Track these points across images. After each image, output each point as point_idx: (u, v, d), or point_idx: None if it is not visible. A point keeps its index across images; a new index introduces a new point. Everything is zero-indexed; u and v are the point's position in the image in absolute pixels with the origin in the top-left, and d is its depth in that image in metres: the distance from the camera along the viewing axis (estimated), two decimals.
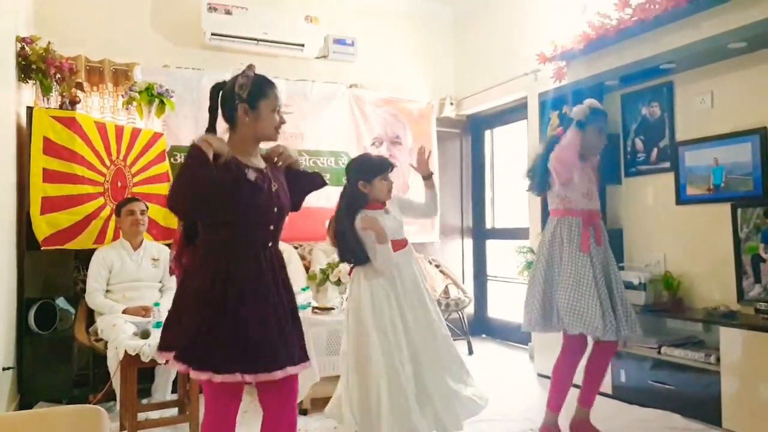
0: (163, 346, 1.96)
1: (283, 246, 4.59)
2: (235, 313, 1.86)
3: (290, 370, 1.91)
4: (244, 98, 1.91)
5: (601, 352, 2.89)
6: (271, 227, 1.98)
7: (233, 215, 1.90)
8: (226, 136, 1.98)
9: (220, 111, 1.99)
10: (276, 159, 2.05)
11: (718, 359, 3.10)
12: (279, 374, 1.88)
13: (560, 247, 2.82)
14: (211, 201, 1.85)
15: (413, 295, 2.74)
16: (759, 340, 2.91)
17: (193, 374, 1.87)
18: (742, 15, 3.10)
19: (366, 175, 2.72)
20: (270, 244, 1.98)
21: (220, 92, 1.98)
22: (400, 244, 2.77)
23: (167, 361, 1.95)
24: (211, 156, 1.84)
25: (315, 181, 2.19)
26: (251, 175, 1.92)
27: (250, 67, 1.96)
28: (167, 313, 2.00)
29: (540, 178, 2.94)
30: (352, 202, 2.73)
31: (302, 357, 1.98)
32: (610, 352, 2.92)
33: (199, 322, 1.86)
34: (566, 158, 2.77)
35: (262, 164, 2.01)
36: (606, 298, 2.73)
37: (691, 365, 3.24)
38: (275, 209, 1.97)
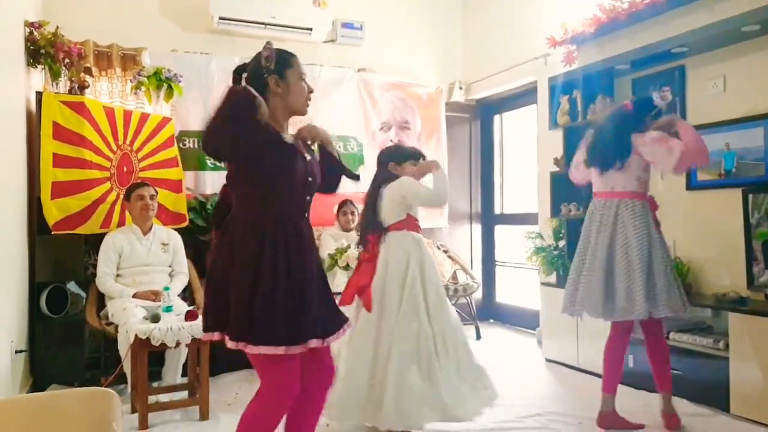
0: (213, 327, 1.89)
1: None
2: (290, 282, 1.83)
3: (344, 329, 2.00)
4: (272, 70, 1.90)
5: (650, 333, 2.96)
6: (308, 197, 1.97)
7: (275, 177, 1.87)
8: None
9: None
10: (307, 136, 2.01)
11: (726, 345, 3.09)
12: (340, 334, 1.96)
13: (589, 227, 2.90)
14: (249, 146, 1.80)
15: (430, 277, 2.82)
16: None
17: (257, 349, 1.78)
18: None
19: (398, 157, 2.92)
20: (307, 215, 1.98)
21: (243, 73, 1.96)
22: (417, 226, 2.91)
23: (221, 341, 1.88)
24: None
25: (346, 171, 2.15)
26: (287, 137, 1.94)
27: (269, 42, 1.94)
28: (205, 296, 1.95)
29: (613, 152, 2.82)
30: (380, 180, 2.90)
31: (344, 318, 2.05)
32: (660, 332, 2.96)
33: (252, 295, 1.80)
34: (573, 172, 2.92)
35: (292, 139, 1.99)
36: (623, 278, 2.76)
37: (699, 351, 3.24)
38: (309, 178, 1.96)
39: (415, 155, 2.96)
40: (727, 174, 3.48)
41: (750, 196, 3.31)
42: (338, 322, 2.00)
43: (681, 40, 3.42)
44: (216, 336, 1.88)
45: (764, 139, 3.27)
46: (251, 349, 1.78)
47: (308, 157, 1.98)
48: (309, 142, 2.03)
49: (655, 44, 3.53)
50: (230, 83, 1.94)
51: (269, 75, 1.89)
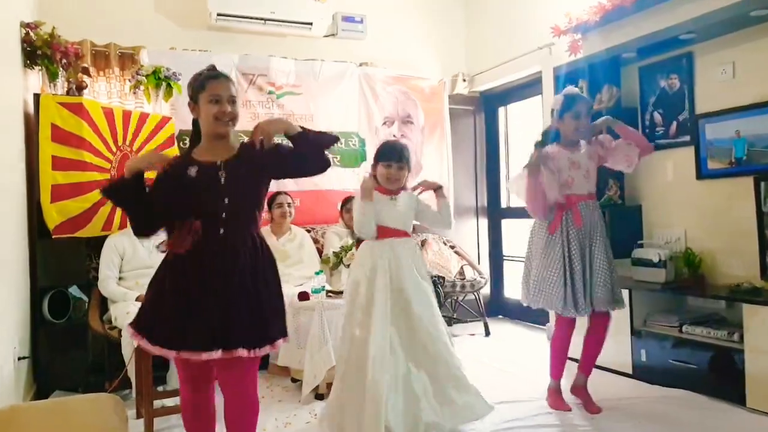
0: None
1: (295, 230, 4.63)
2: (171, 292, 2.03)
3: (215, 354, 1.94)
4: (189, 96, 2.12)
5: (593, 325, 3.13)
6: (223, 215, 2.04)
7: (179, 208, 2.06)
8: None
9: None
10: (255, 140, 2.06)
11: (741, 337, 3.06)
12: (204, 356, 1.94)
13: (538, 231, 3.13)
14: (160, 214, 2.08)
15: (410, 289, 2.77)
16: None
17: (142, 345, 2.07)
18: None
19: (375, 159, 2.91)
20: (222, 231, 2.03)
21: None
22: (396, 233, 2.84)
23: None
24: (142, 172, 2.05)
25: (324, 141, 2.11)
26: (192, 172, 2.05)
27: (209, 66, 2.17)
28: None
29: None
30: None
31: (252, 343, 2.00)
32: (600, 325, 3.11)
33: (147, 298, 2.14)
34: (532, 207, 3.08)
35: (223, 156, 2.07)
36: (577, 277, 2.96)
37: (713, 343, 3.21)
38: (225, 200, 2.03)
39: (384, 154, 2.84)
40: (738, 162, 3.45)
41: (762, 184, 3.28)
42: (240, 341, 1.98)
43: (688, 27, 3.39)
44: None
45: None
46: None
47: (224, 178, 2.04)
48: (264, 142, 2.05)
49: (662, 31, 3.49)
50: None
51: (188, 102, 2.13)
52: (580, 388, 3.18)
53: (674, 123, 3.82)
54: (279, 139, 2.10)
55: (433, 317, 2.79)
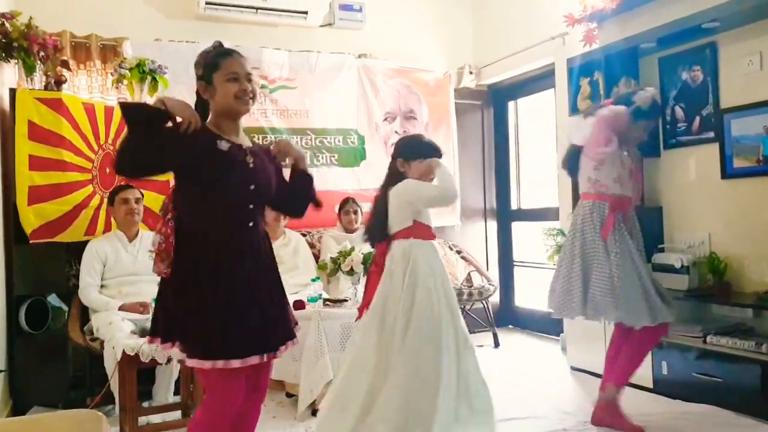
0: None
1: (289, 233, 4.63)
2: (224, 296, 1.97)
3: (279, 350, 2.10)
4: (200, 75, 2.09)
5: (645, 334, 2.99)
6: (251, 206, 2.07)
7: (204, 187, 2.00)
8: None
9: None
10: (279, 151, 2.20)
11: None
12: (282, 350, 2.10)
13: (592, 231, 3.00)
14: (163, 164, 2.01)
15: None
16: None
17: (191, 362, 1.96)
18: None
19: (407, 153, 2.84)
20: (251, 224, 2.07)
21: None
22: (433, 235, 2.86)
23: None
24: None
25: (312, 194, 2.31)
26: (223, 146, 2.03)
27: (216, 42, 2.16)
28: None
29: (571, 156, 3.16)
30: (389, 179, 2.84)
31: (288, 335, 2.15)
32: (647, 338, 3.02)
33: (187, 307, 1.96)
34: (612, 120, 2.94)
35: (244, 142, 2.13)
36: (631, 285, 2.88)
37: (740, 355, 3.20)
38: (252, 186, 2.06)
39: (429, 152, 2.84)
40: (767, 160, 3.45)
41: None
42: (281, 337, 2.11)
43: (712, 14, 3.38)
44: (168, 346, 2.01)
45: None
46: (189, 362, 1.95)
47: (251, 162, 2.08)
48: (278, 158, 2.22)
49: (684, 19, 3.49)
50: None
51: (198, 81, 2.10)
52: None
53: (697, 118, 3.82)
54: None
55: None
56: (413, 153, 2.82)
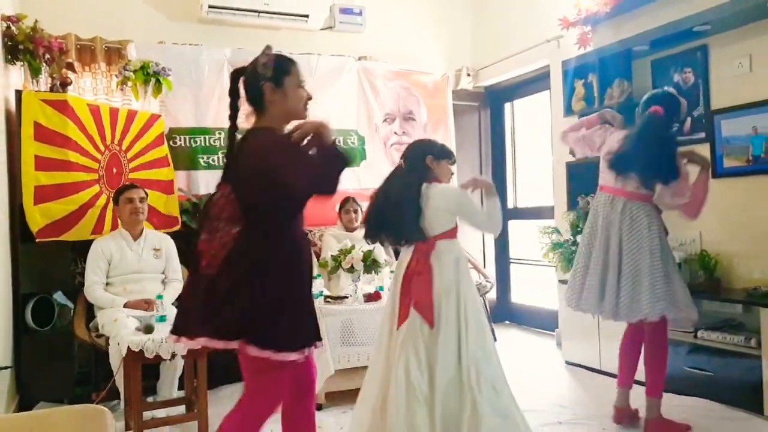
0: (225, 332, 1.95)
1: None
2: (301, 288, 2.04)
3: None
4: (269, 77, 2.00)
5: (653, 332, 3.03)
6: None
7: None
8: (251, 119, 2.08)
9: (244, 96, 2.07)
10: (306, 134, 1.99)
11: (759, 343, 3.08)
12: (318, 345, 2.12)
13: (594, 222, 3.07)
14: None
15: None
16: None
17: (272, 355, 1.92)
18: None
19: (436, 152, 2.81)
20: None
21: (241, 77, 2.06)
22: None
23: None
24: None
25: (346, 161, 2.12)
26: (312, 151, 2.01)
27: (268, 47, 2.05)
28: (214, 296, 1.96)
29: (658, 172, 2.92)
30: (420, 175, 2.75)
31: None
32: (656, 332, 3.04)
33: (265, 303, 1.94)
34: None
35: None
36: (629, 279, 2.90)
37: (730, 350, 3.23)
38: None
39: (451, 153, 2.89)
40: (756, 160, 3.46)
41: None
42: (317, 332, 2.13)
43: (703, 18, 3.40)
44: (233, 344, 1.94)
45: None
46: (275, 356, 1.90)
47: None
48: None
49: (676, 22, 3.52)
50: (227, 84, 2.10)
51: (265, 82, 1.99)
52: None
53: (689, 119, 3.82)
54: None
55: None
56: (443, 154, 2.82)
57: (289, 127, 2.05)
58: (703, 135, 3.74)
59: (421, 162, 2.78)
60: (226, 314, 1.92)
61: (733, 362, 3.19)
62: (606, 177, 3.08)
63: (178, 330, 2.01)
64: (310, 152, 1.91)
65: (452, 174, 2.90)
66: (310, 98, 2.08)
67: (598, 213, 3.08)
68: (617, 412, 3.13)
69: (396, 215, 2.73)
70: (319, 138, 1.90)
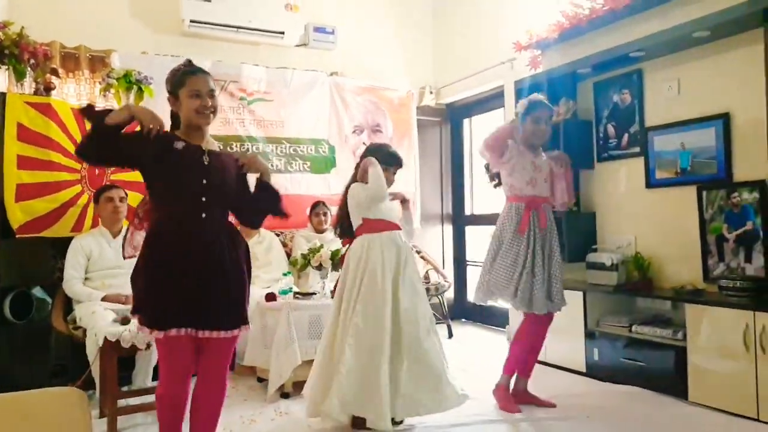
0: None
1: (264, 233, 4.61)
2: (164, 274, 2.07)
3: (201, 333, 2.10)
4: (169, 90, 2.20)
5: (539, 324, 3.15)
6: (203, 198, 2.12)
7: (162, 180, 2.11)
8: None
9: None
10: (245, 163, 2.27)
11: (685, 335, 3.17)
12: (214, 334, 2.12)
13: (508, 228, 3.10)
14: (117, 157, 2.14)
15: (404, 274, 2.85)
16: (722, 315, 2.98)
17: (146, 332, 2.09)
18: (706, 5, 3.20)
19: (380, 157, 2.90)
20: (203, 216, 2.12)
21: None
22: (396, 226, 2.92)
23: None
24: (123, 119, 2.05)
25: (275, 206, 2.32)
26: (178, 145, 2.13)
27: (187, 61, 2.24)
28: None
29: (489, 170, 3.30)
30: (350, 182, 2.95)
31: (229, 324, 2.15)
32: (546, 324, 3.18)
33: (140, 283, 2.09)
34: (490, 143, 3.09)
35: (210, 146, 2.21)
36: (540, 276, 3.01)
37: (660, 342, 3.32)
38: (204, 181, 2.12)
39: (394, 163, 2.96)
40: (683, 172, 3.58)
41: (704, 193, 3.42)
42: (211, 322, 2.10)
43: (638, 45, 3.52)
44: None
45: (716, 139, 3.37)
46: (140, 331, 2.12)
47: (207, 160, 2.15)
48: (244, 167, 2.26)
49: (614, 48, 3.63)
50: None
51: (168, 95, 2.21)
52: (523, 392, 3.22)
53: (626, 135, 3.94)
54: None
55: (426, 311, 2.89)
56: (386, 159, 2.94)
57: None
58: (638, 149, 3.85)
59: (358, 165, 2.93)
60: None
61: (663, 353, 3.28)
62: (521, 186, 3.13)
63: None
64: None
65: (393, 181, 2.97)
66: (205, 105, 2.15)
67: (516, 220, 3.11)
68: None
69: (340, 214, 2.99)
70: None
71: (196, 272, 2.07)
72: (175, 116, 2.24)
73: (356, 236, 2.89)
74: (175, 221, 2.10)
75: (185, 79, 2.16)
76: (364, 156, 2.96)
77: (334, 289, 3.57)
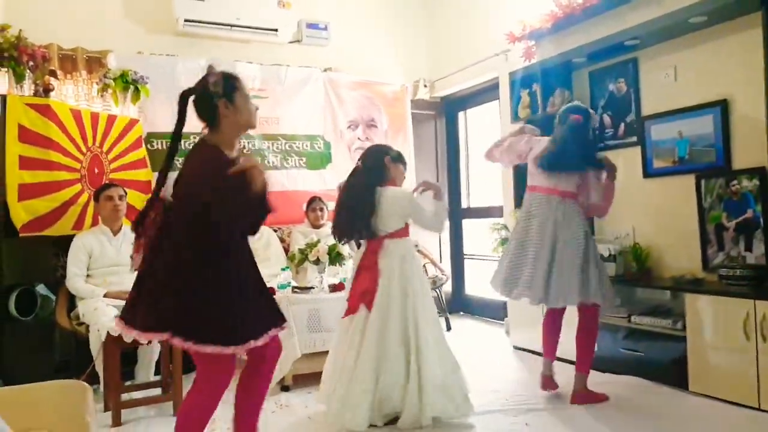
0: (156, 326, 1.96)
1: (262, 229, 4.58)
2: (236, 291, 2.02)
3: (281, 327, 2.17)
4: (221, 94, 2.02)
5: (583, 318, 3.15)
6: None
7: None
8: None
9: (196, 113, 2.08)
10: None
11: (684, 325, 3.17)
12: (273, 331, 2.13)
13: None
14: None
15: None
16: (722, 304, 2.99)
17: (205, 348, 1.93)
18: None
19: (393, 155, 2.93)
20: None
21: (191, 97, 2.06)
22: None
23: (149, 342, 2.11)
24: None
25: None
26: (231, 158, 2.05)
27: (211, 66, 2.08)
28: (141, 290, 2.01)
29: (577, 164, 3.10)
30: (377, 175, 2.87)
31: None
32: (586, 318, 3.15)
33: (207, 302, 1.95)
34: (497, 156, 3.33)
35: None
36: (542, 268, 3.03)
37: (659, 332, 3.32)
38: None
39: (405, 160, 3.03)
40: (681, 161, 3.58)
41: (702, 182, 3.42)
42: (273, 320, 2.14)
43: (633, 33, 3.51)
44: (163, 336, 1.96)
45: (714, 126, 3.37)
46: (198, 348, 1.91)
47: None
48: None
49: (609, 37, 3.63)
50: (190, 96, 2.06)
51: (218, 99, 2.02)
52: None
53: (622, 124, 3.94)
54: None
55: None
56: (399, 158, 2.96)
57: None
58: (635, 139, 3.85)
59: (380, 163, 2.89)
60: (147, 311, 1.96)
61: (662, 344, 3.28)
62: (538, 178, 3.16)
63: (124, 319, 2.04)
64: (240, 192, 1.91)
65: (404, 177, 3.00)
66: (257, 108, 2.15)
67: (531, 211, 3.14)
68: (543, 379, 3.27)
69: (351, 214, 2.84)
70: (252, 181, 1.91)
71: (252, 279, 2.11)
72: (180, 129, 2.09)
73: (391, 239, 2.84)
74: (239, 241, 2.10)
75: (237, 82, 2.08)
76: (372, 154, 2.94)
77: (336, 284, 3.61)
